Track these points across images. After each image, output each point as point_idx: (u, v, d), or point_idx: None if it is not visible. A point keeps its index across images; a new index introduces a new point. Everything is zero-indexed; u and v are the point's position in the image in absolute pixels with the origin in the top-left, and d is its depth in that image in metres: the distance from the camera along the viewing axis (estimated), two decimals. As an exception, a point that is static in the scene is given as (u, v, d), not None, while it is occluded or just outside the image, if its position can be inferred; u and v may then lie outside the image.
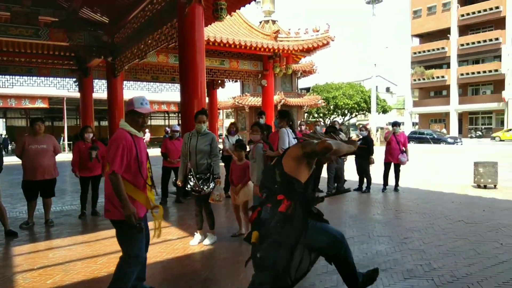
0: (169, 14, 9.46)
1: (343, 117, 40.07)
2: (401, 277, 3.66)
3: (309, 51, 17.63)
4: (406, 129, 44.50)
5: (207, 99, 16.84)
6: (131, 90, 18.02)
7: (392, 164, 8.42)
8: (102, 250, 4.60)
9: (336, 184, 8.20)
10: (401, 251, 4.39)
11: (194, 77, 8.64)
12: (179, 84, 9.56)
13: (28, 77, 17.00)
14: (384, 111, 41.49)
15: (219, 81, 20.11)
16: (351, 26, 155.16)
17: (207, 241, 4.77)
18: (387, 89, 63.98)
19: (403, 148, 8.36)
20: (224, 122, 39.13)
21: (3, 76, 16.75)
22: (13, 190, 9.09)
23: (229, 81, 19.58)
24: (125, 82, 16.12)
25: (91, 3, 12.44)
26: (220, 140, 11.97)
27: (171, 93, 20.11)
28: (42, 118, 6.55)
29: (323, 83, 40.59)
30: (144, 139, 3.19)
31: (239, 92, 31.65)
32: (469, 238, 4.79)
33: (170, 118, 37.82)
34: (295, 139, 5.61)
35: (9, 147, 25.75)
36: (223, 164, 8.15)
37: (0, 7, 11.74)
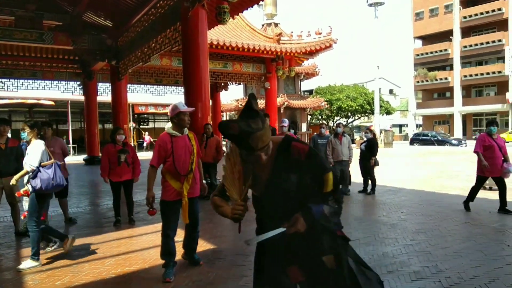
0: (172, 17, 9.52)
1: (347, 119, 40.02)
2: (408, 278, 3.65)
3: (311, 53, 17.68)
4: (410, 130, 44.39)
5: (210, 102, 16.88)
6: (134, 93, 18.12)
7: (489, 178, 6.53)
8: (109, 252, 4.61)
9: (340, 186, 8.20)
10: (407, 253, 4.37)
11: (198, 80, 8.67)
12: (182, 87, 9.61)
13: (33, 81, 17.12)
14: (388, 112, 41.41)
15: (222, 84, 20.19)
16: (354, 29, 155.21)
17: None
18: (390, 91, 63.88)
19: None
20: (227, 124, 39.15)
21: (8, 80, 16.88)
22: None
23: (232, 83, 19.65)
24: (128, 85, 16.21)
25: (95, 7, 12.53)
26: (224, 143, 12.01)
27: (174, 96, 20.20)
28: (49, 122, 6.51)
29: (326, 85, 40.57)
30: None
31: (242, 94, 31.72)
32: (475, 240, 4.77)
33: (174, 121, 37.90)
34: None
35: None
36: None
37: (4, 12, 11.84)
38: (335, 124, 14.82)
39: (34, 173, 4.11)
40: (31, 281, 3.76)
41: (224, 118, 38.21)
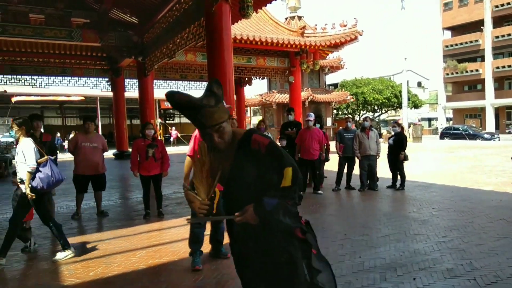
0: (196, 13, 9.57)
1: (373, 113, 39.26)
2: (441, 276, 3.56)
3: (336, 46, 17.39)
4: (440, 124, 43.13)
5: (234, 97, 16.95)
6: (160, 89, 18.38)
7: None
8: (140, 244, 4.71)
9: (368, 181, 8.05)
10: (440, 250, 4.25)
11: (222, 75, 8.69)
12: (207, 82, 9.65)
13: (63, 78, 17.64)
14: (416, 106, 40.35)
15: (246, 79, 20.17)
16: (380, 20, 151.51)
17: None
18: (419, 84, 62.13)
19: None
20: (252, 119, 39.24)
21: (40, 77, 17.47)
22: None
23: (256, 78, 19.60)
24: (155, 81, 16.45)
25: (120, 3, 12.76)
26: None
27: (199, 91, 20.35)
28: (92, 117, 6.69)
29: (351, 79, 39.90)
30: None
31: (266, 89, 31.64)
32: (512, 237, 4.60)
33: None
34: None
35: (65, 143, 26.11)
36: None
37: (35, 10, 12.24)
38: (361, 118, 14.56)
39: (33, 174, 4.04)
40: (66, 271, 3.90)
41: (248, 113, 38.27)
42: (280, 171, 1.83)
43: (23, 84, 18.44)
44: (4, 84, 17.68)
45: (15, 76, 17.13)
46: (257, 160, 1.86)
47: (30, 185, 4.03)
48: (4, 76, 16.75)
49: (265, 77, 19.31)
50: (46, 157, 4.23)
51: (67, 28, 12.59)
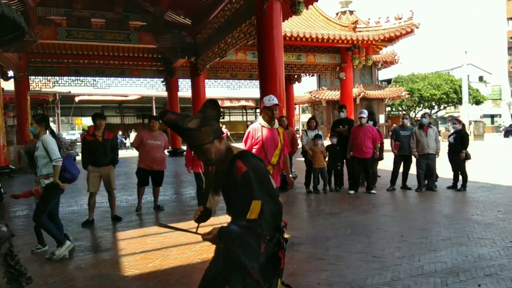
0: (247, 12, 9.64)
1: (430, 109, 37.25)
2: (509, 283, 3.30)
3: (390, 40, 16.70)
4: (504, 121, 40.05)
5: (284, 94, 16.91)
6: (212, 88, 18.81)
7: None
8: (195, 238, 4.78)
9: (426, 181, 7.66)
10: (507, 255, 3.95)
11: (272, 73, 8.70)
12: (256, 81, 9.72)
13: (122, 78, 18.63)
14: (477, 102, 37.74)
15: (296, 76, 20.01)
16: (437, 11, 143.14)
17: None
18: (480, 78, 58.08)
19: None
20: (300, 117, 38.92)
21: (101, 78, 18.59)
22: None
23: (306, 75, 19.38)
24: (206, 80, 16.84)
25: (175, 6, 13.20)
26: (298, 136, 11.93)
27: (248, 89, 20.58)
28: (156, 116, 7.01)
29: (406, 74, 38.16)
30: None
31: (316, 86, 31.20)
32: None
33: (248, 114, 38.96)
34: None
35: (127, 141, 27.36)
36: (303, 159, 8.15)
37: (97, 15, 13.03)
38: (417, 115, 13.87)
39: (64, 167, 4.19)
40: (126, 262, 4.10)
41: (297, 111, 37.96)
42: (251, 201, 1.79)
43: (85, 85, 19.73)
44: (69, 85, 19.04)
45: (78, 78, 18.39)
46: (236, 184, 1.89)
47: (62, 177, 4.23)
48: (69, 77, 18.03)
49: (315, 74, 19.03)
50: (66, 151, 4.55)
51: (126, 31, 13.27)
